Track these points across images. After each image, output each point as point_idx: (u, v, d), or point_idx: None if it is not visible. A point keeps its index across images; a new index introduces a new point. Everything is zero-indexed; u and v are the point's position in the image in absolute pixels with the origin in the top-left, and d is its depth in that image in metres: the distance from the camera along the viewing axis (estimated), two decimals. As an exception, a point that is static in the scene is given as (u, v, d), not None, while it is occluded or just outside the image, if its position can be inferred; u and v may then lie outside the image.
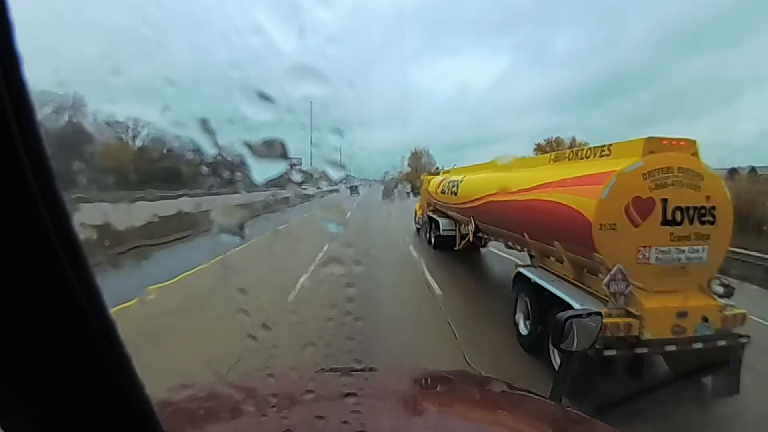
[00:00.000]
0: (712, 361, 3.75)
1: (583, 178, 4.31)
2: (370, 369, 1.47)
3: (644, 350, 3.59)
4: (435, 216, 11.22)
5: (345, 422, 0.96)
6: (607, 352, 3.45)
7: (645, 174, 3.84)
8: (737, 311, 3.88)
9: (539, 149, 38.83)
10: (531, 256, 5.77)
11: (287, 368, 1.48)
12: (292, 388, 1.15)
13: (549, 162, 5.64)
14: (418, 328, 5.36)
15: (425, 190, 12.82)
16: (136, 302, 4.02)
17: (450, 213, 10.10)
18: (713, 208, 3.96)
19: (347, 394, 1.07)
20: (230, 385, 1.31)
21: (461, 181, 8.96)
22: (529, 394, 1.48)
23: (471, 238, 8.41)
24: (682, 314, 3.69)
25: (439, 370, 1.92)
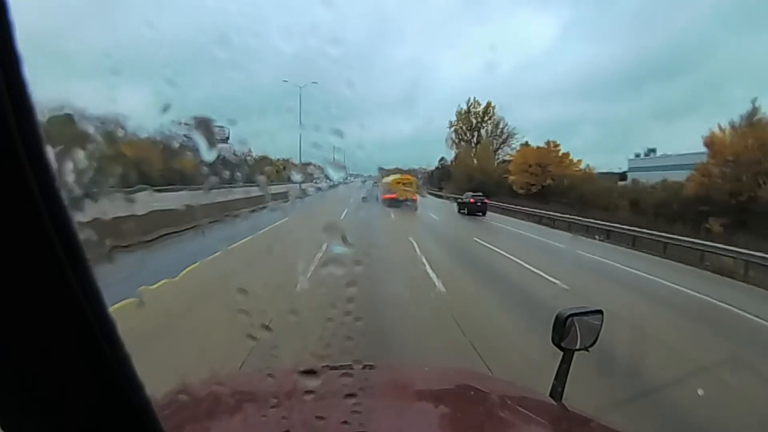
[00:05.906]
0: (411, 204, 28.81)
1: (398, 178, 29.73)
2: (370, 366, 1.47)
3: (397, 200, 28.75)
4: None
5: (345, 422, 0.97)
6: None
7: (398, 178, 29.22)
8: (417, 196, 29.04)
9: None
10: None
11: (288, 365, 1.48)
12: (292, 387, 1.12)
13: (400, 172, 30.75)
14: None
15: (382, 183, 37.48)
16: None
17: (386, 190, 34.99)
18: (411, 182, 29.14)
19: (348, 395, 1.08)
20: (230, 385, 1.28)
21: (387, 179, 33.53)
22: (530, 393, 1.54)
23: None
24: (401, 194, 28.81)
25: (439, 367, 1.96)
